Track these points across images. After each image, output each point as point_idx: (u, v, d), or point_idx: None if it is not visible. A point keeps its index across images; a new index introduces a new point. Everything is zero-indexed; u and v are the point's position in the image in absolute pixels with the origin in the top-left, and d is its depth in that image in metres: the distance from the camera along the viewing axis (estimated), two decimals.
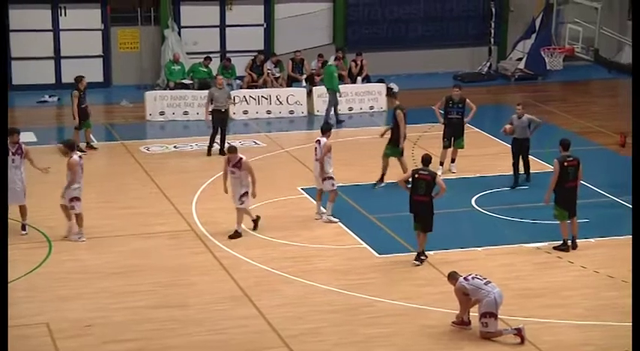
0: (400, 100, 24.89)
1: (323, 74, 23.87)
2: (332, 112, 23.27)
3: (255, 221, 16.80)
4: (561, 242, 16.19)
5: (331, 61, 23.69)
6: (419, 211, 15.56)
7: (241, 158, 16.55)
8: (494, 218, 17.50)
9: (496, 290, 13.17)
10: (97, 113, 22.11)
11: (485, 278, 13.32)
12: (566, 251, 16.09)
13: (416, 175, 15.45)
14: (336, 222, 17.08)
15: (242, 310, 13.87)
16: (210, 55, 25.75)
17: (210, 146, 20.97)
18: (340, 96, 23.51)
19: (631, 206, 18.02)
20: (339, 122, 23.37)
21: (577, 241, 16.30)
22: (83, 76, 21.03)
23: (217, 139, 20.96)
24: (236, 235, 16.44)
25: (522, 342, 13.10)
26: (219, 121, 20.89)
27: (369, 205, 18.01)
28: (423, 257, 15.60)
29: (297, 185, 18.89)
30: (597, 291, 14.72)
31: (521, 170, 19.25)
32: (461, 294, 13.31)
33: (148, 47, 26.44)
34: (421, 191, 15.43)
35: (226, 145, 18.96)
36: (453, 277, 13.53)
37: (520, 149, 19.06)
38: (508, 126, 19.13)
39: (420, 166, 15.63)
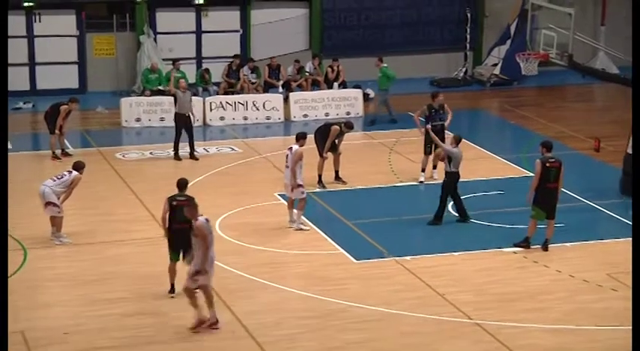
0: (376, 105, 25.14)
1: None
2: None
3: None
4: (523, 239, 16.33)
5: None
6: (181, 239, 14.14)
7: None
8: (470, 223, 17.53)
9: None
10: (72, 119, 22.01)
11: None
12: (526, 248, 16.21)
13: (174, 203, 14.25)
14: (307, 230, 17.04)
15: (218, 317, 13.74)
16: (185, 61, 25.70)
17: (176, 151, 21.06)
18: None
19: (606, 210, 18.27)
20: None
21: (552, 245, 16.36)
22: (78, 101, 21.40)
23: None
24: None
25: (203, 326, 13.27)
26: (184, 125, 20.97)
27: (346, 211, 18.02)
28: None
29: (274, 191, 18.86)
30: (572, 295, 14.77)
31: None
32: (201, 234, 13.10)
33: (123, 53, 26.35)
34: (180, 219, 14.02)
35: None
36: (193, 208, 13.26)
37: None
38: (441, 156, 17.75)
39: (177, 192, 14.42)
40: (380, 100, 24.29)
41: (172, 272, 14.45)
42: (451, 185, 17.34)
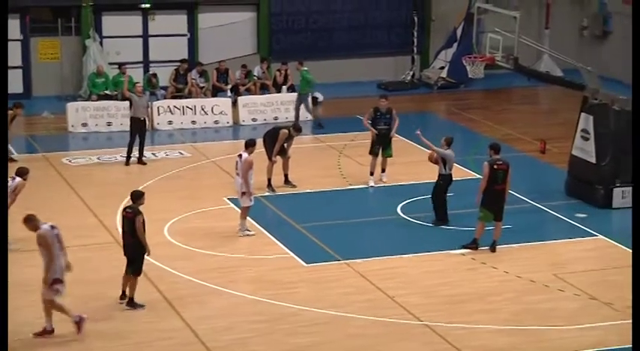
0: (325, 108, 25.24)
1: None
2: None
3: None
4: (472, 240, 16.45)
5: None
6: (129, 253, 14.22)
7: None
8: (419, 225, 17.61)
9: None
10: (17, 125, 21.68)
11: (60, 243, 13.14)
12: (474, 250, 16.33)
13: (123, 214, 14.31)
14: (252, 235, 16.98)
15: (168, 323, 13.75)
16: (132, 65, 25.51)
17: (128, 155, 20.87)
18: None
19: (552, 211, 18.47)
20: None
21: (500, 246, 16.50)
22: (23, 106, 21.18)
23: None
24: None
25: (79, 332, 13.11)
26: (138, 129, 20.79)
27: (296, 215, 18.00)
28: (139, 305, 14.26)
29: (223, 195, 18.78)
30: (520, 296, 14.88)
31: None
32: (44, 243, 12.96)
33: (69, 57, 26.01)
34: (127, 230, 14.12)
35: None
36: (32, 220, 13.01)
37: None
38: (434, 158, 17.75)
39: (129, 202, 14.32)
40: (298, 104, 23.98)
41: (125, 279, 14.36)
42: (444, 187, 17.38)
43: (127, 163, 20.89)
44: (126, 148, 20.94)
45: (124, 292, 14.34)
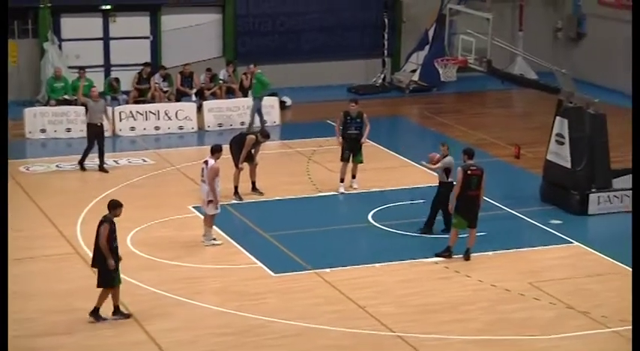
0: (294, 113, 24.88)
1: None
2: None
3: None
4: (445, 248, 16.18)
5: None
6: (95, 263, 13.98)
7: None
8: (391, 233, 17.35)
9: None
10: None
11: None
12: (447, 258, 16.09)
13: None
14: (219, 244, 16.68)
15: (132, 336, 13.46)
16: (93, 69, 25.13)
17: (82, 160, 20.56)
18: None
19: (527, 218, 18.30)
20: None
21: (474, 254, 16.23)
22: None
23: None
24: None
25: None
26: (95, 135, 20.47)
27: (263, 223, 17.68)
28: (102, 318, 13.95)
29: (188, 204, 18.44)
30: (494, 305, 14.67)
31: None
32: None
33: (26, 61, 25.55)
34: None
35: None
36: None
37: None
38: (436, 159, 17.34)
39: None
40: (253, 109, 23.56)
41: (113, 293, 13.96)
42: (446, 195, 16.96)
43: (82, 168, 20.52)
44: (92, 156, 20.53)
45: (116, 306, 13.97)
